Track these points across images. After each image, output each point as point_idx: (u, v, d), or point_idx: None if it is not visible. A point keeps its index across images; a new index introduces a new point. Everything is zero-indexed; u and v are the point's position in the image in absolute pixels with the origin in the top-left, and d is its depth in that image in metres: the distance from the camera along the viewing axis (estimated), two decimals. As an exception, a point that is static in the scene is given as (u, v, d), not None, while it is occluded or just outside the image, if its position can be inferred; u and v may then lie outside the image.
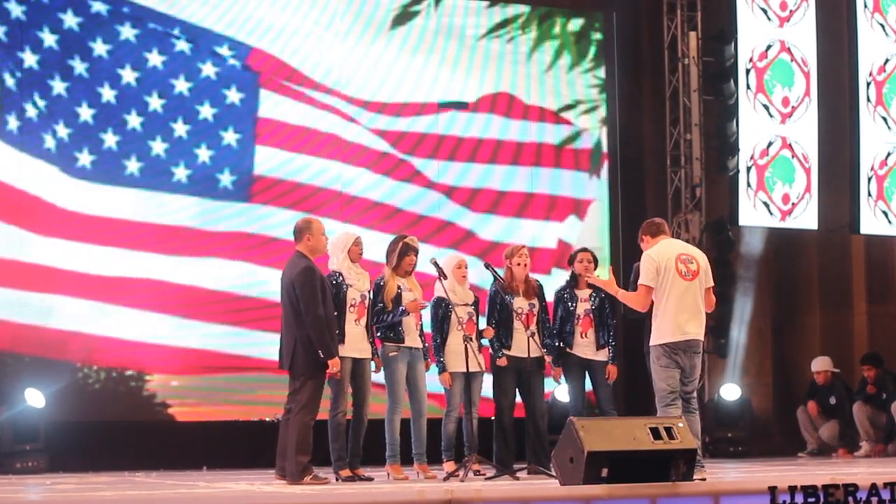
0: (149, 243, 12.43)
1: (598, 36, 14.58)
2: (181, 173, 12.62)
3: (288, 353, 8.94)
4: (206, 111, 12.75)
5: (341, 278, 9.52)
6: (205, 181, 12.70)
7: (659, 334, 8.51)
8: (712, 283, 8.71)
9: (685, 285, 8.48)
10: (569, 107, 14.36)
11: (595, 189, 14.37)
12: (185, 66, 12.71)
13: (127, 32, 12.52)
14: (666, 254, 8.54)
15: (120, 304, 12.29)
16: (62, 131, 12.23)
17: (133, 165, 12.48)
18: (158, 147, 12.58)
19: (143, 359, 12.42)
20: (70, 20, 12.35)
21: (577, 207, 14.25)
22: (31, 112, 12.16)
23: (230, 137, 12.82)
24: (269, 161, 12.98)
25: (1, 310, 11.97)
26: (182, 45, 12.69)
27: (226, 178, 12.78)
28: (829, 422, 13.69)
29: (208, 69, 12.77)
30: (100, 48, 12.43)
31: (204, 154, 12.72)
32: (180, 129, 12.65)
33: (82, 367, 12.29)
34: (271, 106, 13.02)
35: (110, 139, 12.43)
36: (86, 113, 12.35)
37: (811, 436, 13.75)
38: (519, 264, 10.16)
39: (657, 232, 8.75)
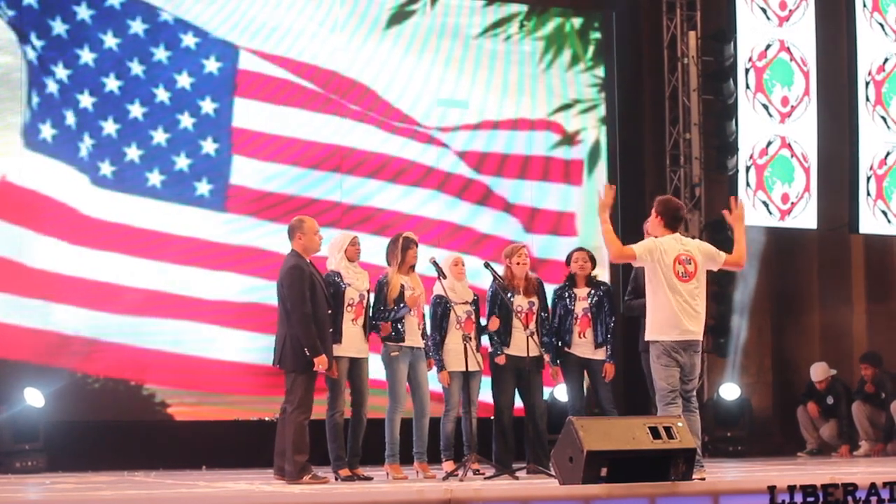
0: (148, 250, 12.47)
1: (596, 35, 14.56)
2: (155, 179, 12.60)
3: (279, 350, 9.04)
4: (186, 121, 12.71)
5: (339, 278, 9.56)
6: (184, 190, 12.67)
7: (655, 330, 8.43)
8: (722, 255, 8.58)
9: (682, 287, 8.44)
10: (567, 106, 14.34)
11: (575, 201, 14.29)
12: (164, 75, 12.64)
13: (110, 41, 12.52)
14: (668, 252, 8.47)
15: (117, 312, 12.30)
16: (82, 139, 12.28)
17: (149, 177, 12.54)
18: (181, 162, 12.62)
19: (142, 363, 12.43)
20: (59, 27, 12.34)
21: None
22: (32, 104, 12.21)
23: (209, 147, 12.79)
24: (267, 171, 12.96)
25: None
26: (161, 55, 12.65)
27: (203, 187, 12.73)
28: (829, 421, 13.70)
29: (184, 80, 12.74)
30: (86, 55, 12.43)
31: (183, 162, 12.69)
32: (159, 136, 12.62)
33: (82, 367, 12.26)
34: (265, 116, 12.99)
35: (133, 152, 12.49)
36: (70, 119, 12.34)
37: (811, 435, 13.76)
38: (518, 263, 10.19)
39: (671, 225, 8.60)
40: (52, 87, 12.24)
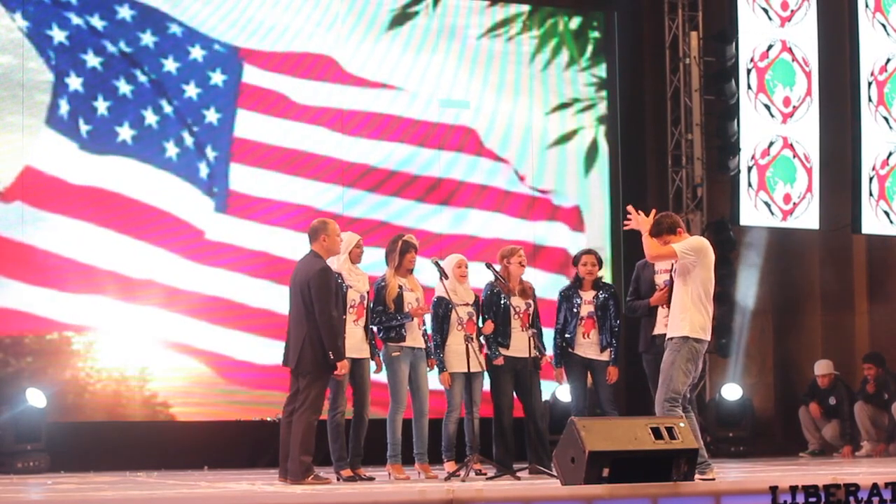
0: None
1: (595, 34, 14.57)
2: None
3: (295, 351, 8.87)
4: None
5: (341, 279, 9.53)
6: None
7: (694, 329, 8.21)
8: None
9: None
10: (565, 105, 14.34)
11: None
12: (169, 85, 12.71)
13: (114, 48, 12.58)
14: (710, 250, 8.42)
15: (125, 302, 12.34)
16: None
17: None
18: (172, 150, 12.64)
19: (143, 363, 12.45)
20: (58, 35, 12.37)
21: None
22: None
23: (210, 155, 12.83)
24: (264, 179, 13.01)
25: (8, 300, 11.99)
26: (169, 66, 12.67)
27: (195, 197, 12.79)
28: (831, 422, 13.69)
29: (191, 90, 12.77)
30: (93, 60, 12.47)
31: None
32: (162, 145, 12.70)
33: (83, 367, 12.28)
34: (253, 124, 13.02)
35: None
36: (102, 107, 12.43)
37: (812, 436, 13.76)
38: (519, 264, 10.17)
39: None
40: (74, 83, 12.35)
